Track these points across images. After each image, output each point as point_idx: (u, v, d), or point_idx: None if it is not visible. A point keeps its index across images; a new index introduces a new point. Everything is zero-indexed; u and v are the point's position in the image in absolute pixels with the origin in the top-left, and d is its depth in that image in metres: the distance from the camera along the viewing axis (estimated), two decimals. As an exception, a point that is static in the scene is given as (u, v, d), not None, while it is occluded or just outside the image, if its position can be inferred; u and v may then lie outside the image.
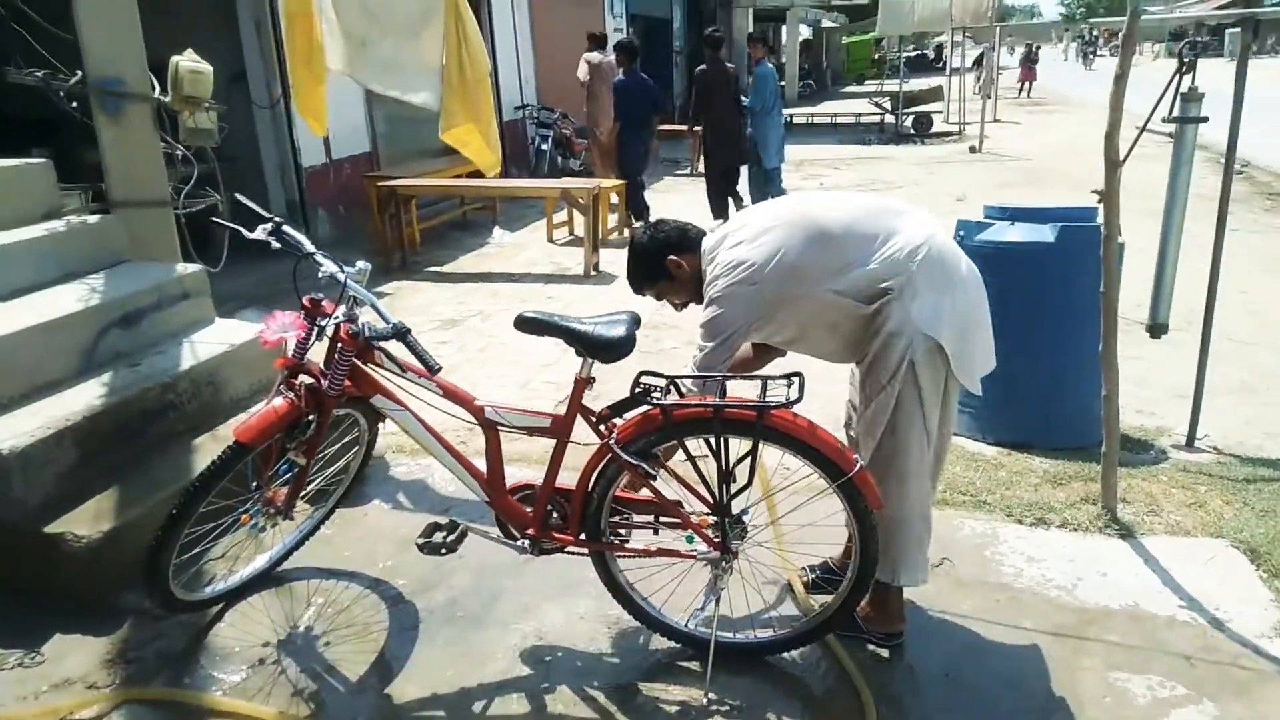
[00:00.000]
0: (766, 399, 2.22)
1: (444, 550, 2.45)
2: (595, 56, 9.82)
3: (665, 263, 2.53)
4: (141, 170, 4.09)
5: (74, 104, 4.08)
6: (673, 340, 5.58)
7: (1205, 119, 3.68)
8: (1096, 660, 2.51)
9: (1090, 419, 3.58)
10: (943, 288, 2.31)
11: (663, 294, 2.63)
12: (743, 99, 9.02)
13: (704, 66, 8.97)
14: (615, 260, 7.86)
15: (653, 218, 2.61)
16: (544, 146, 11.66)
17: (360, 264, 2.48)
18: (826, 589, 2.70)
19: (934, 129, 18.00)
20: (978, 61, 27.94)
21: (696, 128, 9.25)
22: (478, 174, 8.97)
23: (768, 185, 9.09)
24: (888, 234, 2.33)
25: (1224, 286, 3.83)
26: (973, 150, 14.53)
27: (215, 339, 3.59)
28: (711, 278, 2.41)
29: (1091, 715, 2.31)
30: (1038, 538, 3.10)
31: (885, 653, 2.55)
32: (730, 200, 9.10)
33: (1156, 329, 4.02)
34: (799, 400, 2.20)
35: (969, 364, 2.37)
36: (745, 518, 2.41)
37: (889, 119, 19.10)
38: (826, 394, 4.25)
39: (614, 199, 8.71)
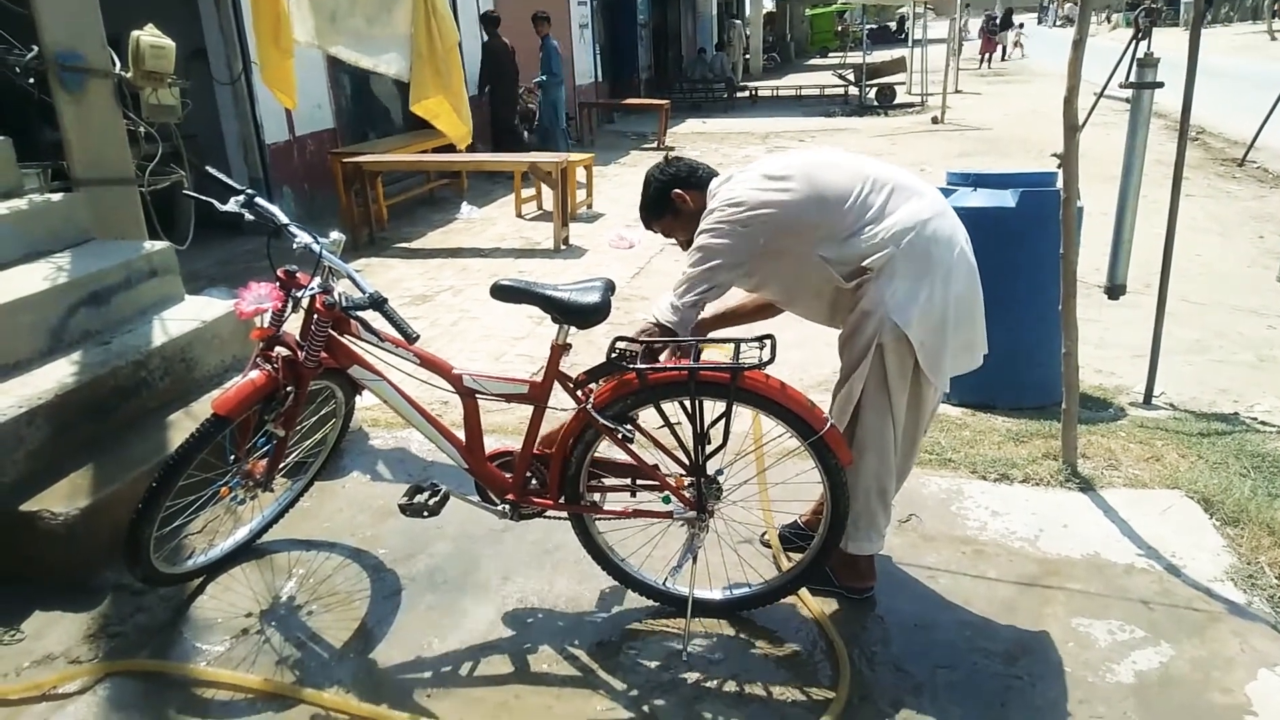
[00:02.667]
0: (740, 361, 2.28)
1: (426, 513, 2.48)
2: None
3: (671, 195, 2.56)
4: (104, 147, 4.04)
5: (31, 80, 4.01)
6: (644, 311, 5.62)
7: (1161, 84, 3.78)
8: (1059, 607, 2.61)
9: (1051, 379, 3.68)
10: (922, 276, 2.30)
11: (668, 230, 2.67)
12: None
13: (488, 40, 10.46)
14: (584, 234, 7.88)
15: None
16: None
17: (334, 235, 2.49)
18: (797, 546, 2.78)
19: (897, 100, 18.12)
20: (1004, 23, 27.90)
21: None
22: (443, 150, 8.94)
23: (558, 141, 11.44)
24: (884, 212, 2.32)
25: (1179, 250, 3.95)
26: (935, 121, 14.66)
27: (185, 316, 3.57)
28: (709, 210, 2.44)
29: (1055, 659, 2.40)
30: (1001, 492, 3.20)
31: (857, 604, 2.63)
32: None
33: (1115, 290, 4.13)
34: (771, 362, 2.26)
35: (937, 359, 2.36)
36: (720, 478, 2.47)
37: (852, 91, 19.20)
38: (797, 360, 4.33)
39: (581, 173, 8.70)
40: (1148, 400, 4.03)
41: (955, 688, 2.31)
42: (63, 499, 2.74)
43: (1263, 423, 3.79)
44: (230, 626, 2.60)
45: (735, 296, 2.74)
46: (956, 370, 2.46)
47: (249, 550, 2.92)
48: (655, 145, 13.61)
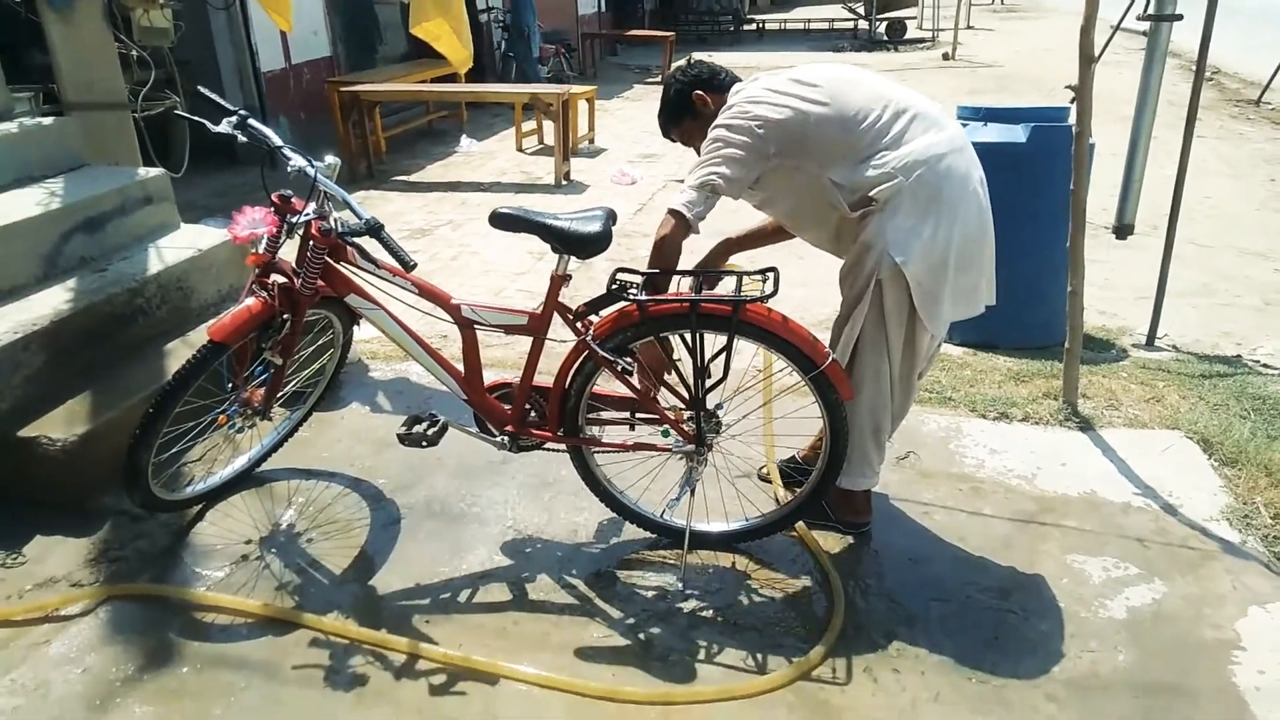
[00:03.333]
0: (742, 294, 2.24)
1: (424, 443, 2.47)
2: None
3: (692, 97, 2.49)
4: (95, 71, 3.95)
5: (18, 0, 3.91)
6: (645, 248, 5.57)
7: (1180, 16, 3.67)
8: (1054, 544, 2.63)
9: (1054, 319, 3.65)
10: (927, 213, 2.24)
11: (687, 135, 2.57)
12: None
13: None
14: (586, 169, 7.77)
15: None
16: (510, 53, 11.33)
17: (329, 158, 2.43)
18: (795, 481, 2.79)
19: (907, 36, 17.73)
20: None
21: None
22: (442, 81, 8.76)
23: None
24: (900, 139, 2.25)
25: (1189, 191, 3.87)
26: (945, 57, 14.36)
27: (182, 244, 3.53)
28: (728, 106, 2.38)
29: (1049, 595, 2.42)
30: (1000, 431, 3.20)
31: (852, 538, 2.64)
32: None
33: (1122, 230, 4.08)
34: (774, 294, 2.23)
35: (934, 302, 2.30)
36: (720, 412, 2.46)
37: (862, 25, 18.78)
38: (799, 298, 4.31)
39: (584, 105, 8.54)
40: (1150, 342, 4.00)
41: (948, 620, 2.34)
42: (61, 425, 2.73)
43: (1265, 365, 3.77)
44: (230, 553, 2.62)
45: (759, 216, 2.69)
46: (956, 316, 2.41)
47: (248, 478, 2.92)
48: (659, 79, 13.34)
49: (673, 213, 2.32)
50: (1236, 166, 7.37)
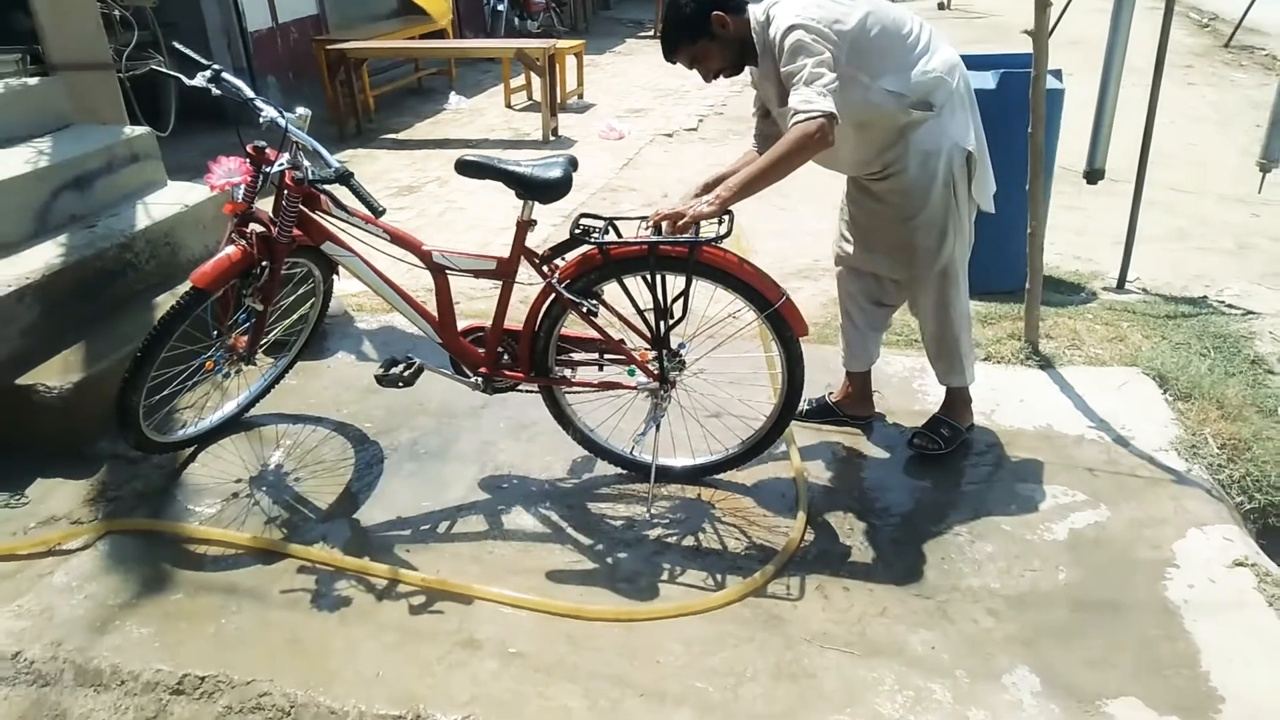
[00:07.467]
0: (698, 235, 2.34)
1: (400, 383, 2.59)
2: None
3: (711, 17, 2.38)
4: (79, 31, 4.00)
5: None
6: (630, 203, 5.64)
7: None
8: (1006, 474, 2.75)
9: (1022, 263, 3.72)
10: (967, 108, 2.49)
11: (697, 58, 2.47)
12: None
13: None
14: (574, 125, 7.79)
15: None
16: (500, 7, 11.27)
17: (300, 110, 2.51)
18: (829, 420, 3.00)
19: (904, -14, 17.49)
20: None
21: None
22: (430, 37, 8.74)
23: None
24: (929, 49, 2.43)
25: (1173, 138, 3.92)
26: (941, 7, 14.20)
27: (169, 200, 3.62)
28: (785, 11, 2.31)
29: (997, 520, 2.55)
30: (963, 370, 3.30)
31: (821, 468, 2.77)
32: None
33: (1093, 175, 4.13)
34: (728, 235, 2.32)
35: (984, 181, 2.56)
36: (683, 350, 2.57)
37: (859, -24, 18.51)
38: (776, 249, 4.39)
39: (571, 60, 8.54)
40: (1121, 285, 4.08)
41: (900, 544, 2.47)
42: (56, 373, 2.85)
43: (1230, 305, 3.86)
44: (221, 491, 2.75)
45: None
46: (991, 190, 2.61)
47: (238, 423, 3.05)
48: (652, 33, 13.24)
49: (815, 117, 2.17)
50: (1225, 113, 7.35)
